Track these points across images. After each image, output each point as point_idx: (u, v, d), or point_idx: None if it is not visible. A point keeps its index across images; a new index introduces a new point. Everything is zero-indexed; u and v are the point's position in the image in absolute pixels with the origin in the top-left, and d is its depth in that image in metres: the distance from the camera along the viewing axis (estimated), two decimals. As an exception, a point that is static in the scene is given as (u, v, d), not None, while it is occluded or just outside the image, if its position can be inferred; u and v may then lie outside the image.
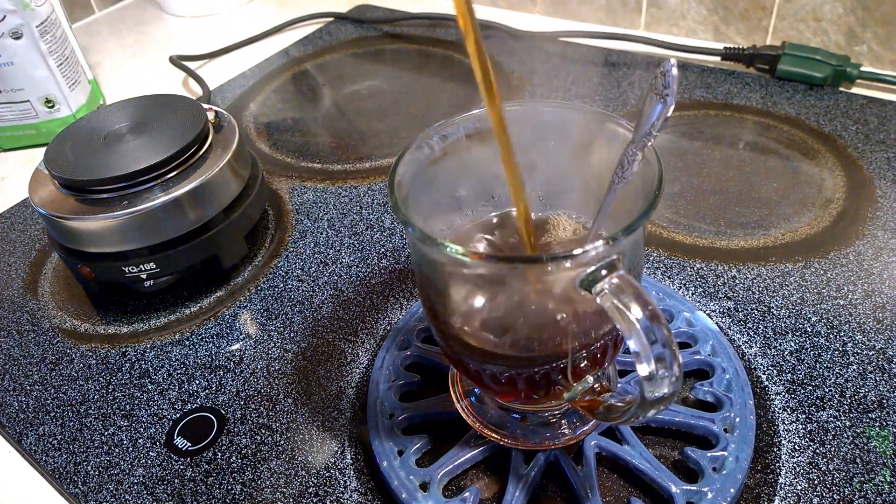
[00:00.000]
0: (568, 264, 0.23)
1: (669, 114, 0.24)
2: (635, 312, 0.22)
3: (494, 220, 0.32)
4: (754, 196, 0.49)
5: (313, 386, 0.38)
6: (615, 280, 0.23)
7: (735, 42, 0.68)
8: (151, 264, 0.42)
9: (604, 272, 0.23)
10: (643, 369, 0.22)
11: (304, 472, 0.34)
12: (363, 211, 0.51)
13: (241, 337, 0.42)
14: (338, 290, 0.44)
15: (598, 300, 0.23)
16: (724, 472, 0.30)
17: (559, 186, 0.32)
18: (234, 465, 0.34)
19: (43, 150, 0.44)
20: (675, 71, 0.23)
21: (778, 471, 0.31)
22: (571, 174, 0.31)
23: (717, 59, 0.65)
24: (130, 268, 0.42)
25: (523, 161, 0.31)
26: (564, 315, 0.26)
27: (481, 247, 0.31)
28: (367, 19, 0.80)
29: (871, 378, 0.35)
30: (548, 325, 0.27)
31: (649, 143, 0.25)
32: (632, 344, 0.22)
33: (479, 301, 0.27)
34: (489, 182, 0.32)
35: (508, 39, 0.73)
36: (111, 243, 0.41)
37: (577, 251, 0.23)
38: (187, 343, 0.42)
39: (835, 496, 0.30)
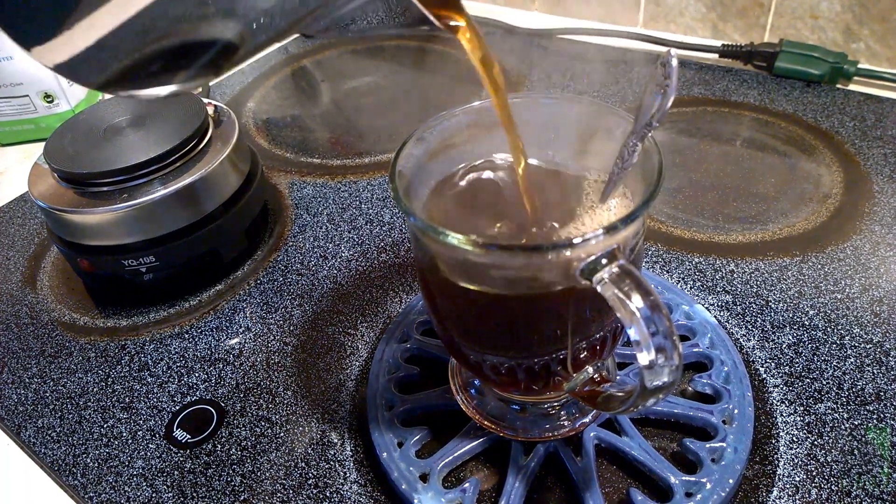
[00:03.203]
0: (568, 253, 0.23)
1: (669, 105, 0.24)
2: (636, 302, 0.22)
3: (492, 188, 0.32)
4: (752, 191, 0.49)
5: (313, 378, 0.38)
6: (615, 269, 0.23)
7: (733, 39, 0.68)
8: (151, 258, 0.42)
9: (604, 261, 0.23)
10: (643, 358, 0.22)
11: (303, 464, 0.34)
12: (362, 206, 0.51)
13: (240, 330, 0.42)
14: (337, 283, 0.44)
15: (598, 289, 0.23)
16: (723, 463, 0.30)
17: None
18: (234, 457, 0.34)
19: (42, 144, 0.44)
20: (675, 62, 0.23)
21: (776, 462, 0.32)
22: (572, 164, 0.31)
23: (715, 56, 0.65)
24: (130, 261, 0.42)
25: (526, 153, 0.32)
26: (565, 305, 0.26)
27: (477, 217, 0.31)
28: (366, 16, 0.80)
29: (868, 371, 0.35)
30: (548, 315, 0.27)
31: (649, 134, 0.25)
32: (632, 333, 0.22)
33: (479, 290, 0.27)
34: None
35: (507, 36, 0.74)
36: (110, 236, 0.41)
37: (576, 240, 0.23)
38: (187, 336, 0.42)
39: (833, 487, 0.30)
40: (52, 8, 0.22)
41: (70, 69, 0.23)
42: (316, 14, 0.26)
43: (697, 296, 0.41)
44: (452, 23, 0.27)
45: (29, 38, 0.22)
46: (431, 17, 0.25)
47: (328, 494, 0.32)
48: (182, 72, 0.26)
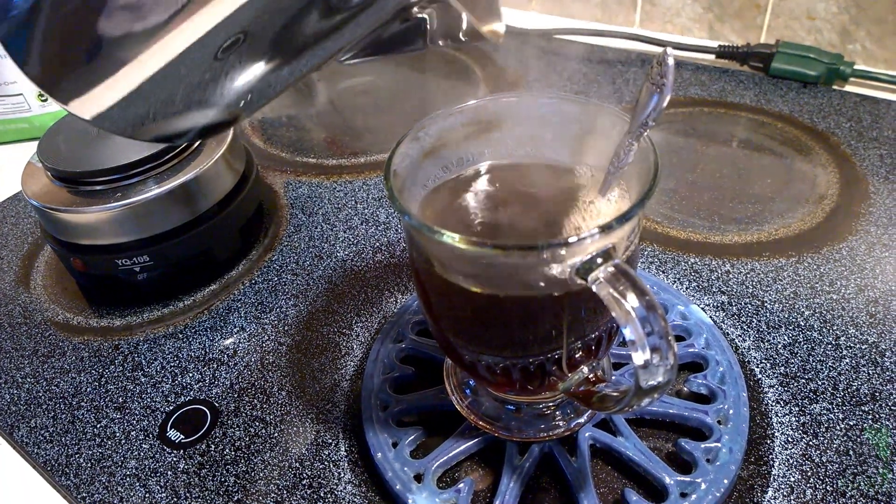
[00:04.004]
0: (563, 252, 0.23)
1: (665, 104, 0.24)
2: (631, 301, 0.22)
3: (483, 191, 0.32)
4: (748, 192, 0.49)
5: (307, 378, 0.38)
6: (611, 269, 0.23)
7: (729, 40, 0.68)
8: (145, 257, 0.42)
9: (599, 261, 0.23)
10: (638, 358, 0.22)
11: (298, 465, 0.34)
12: (358, 205, 0.51)
13: (234, 330, 0.42)
14: (332, 283, 0.44)
15: (593, 288, 0.23)
16: (718, 463, 0.30)
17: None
18: (228, 457, 0.34)
19: (35, 143, 0.44)
20: (671, 61, 0.23)
21: (771, 462, 0.31)
22: (569, 163, 0.31)
23: (712, 56, 0.65)
24: (123, 260, 0.42)
25: (522, 152, 0.32)
26: (560, 304, 0.26)
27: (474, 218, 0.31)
28: (363, 16, 0.80)
29: (863, 371, 0.35)
30: (543, 315, 0.27)
31: (645, 134, 0.25)
32: (627, 333, 0.22)
33: (475, 290, 0.27)
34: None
35: (504, 36, 0.73)
36: (104, 236, 0.41)
37: (571, 239, 0.23)
38: (181, 336, 0.42)
39: (828, 487, 0.30)
40: (79, 69, 0.24)
41: (102, 122, 0.25)
42: (312, 70, 0.27)
43: (693, 296, 0.40)
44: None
45: (64, 94, 0.25)
46: (484, 32, 0.26)
47: (322, 495, 0.32)
48: (194, 132, 0.27)
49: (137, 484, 0.33)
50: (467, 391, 0.34)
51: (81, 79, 0.26)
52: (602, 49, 0.69)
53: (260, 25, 0.25)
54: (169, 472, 0.34)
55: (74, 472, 0.34)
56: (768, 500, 0.30)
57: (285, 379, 0.38)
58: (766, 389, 0.35)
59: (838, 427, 0.33)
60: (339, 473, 0.33)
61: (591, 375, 0.29)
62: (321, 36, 0.27)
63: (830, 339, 0.37)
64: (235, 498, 0.32)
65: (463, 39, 0.28)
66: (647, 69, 0.24)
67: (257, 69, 0.26)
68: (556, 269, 0.24)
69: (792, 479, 0.31)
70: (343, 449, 0.34)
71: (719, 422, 0.32)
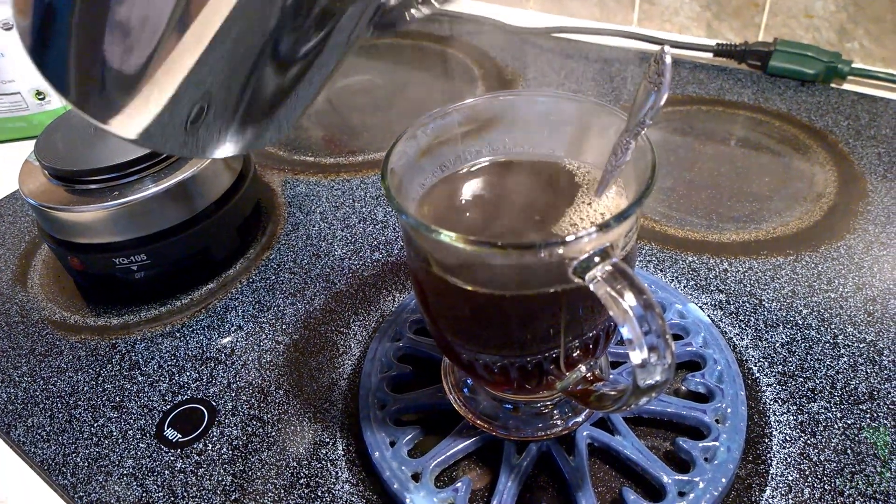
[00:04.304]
0: (561, 251, 0.23)
1: (663, 102, 0.24)
2: (629, 300, 0.22)
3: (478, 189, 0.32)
4: (746, 190, 0.49)
5: (305, 377, 0.38)
6: (608, 267, 0.23)
7: (727, 38, 0.68)
8: (142, 256, 0.42)
9: (597, 259, 0.23)
10: (636, 357, 0.22)
11: (295, 464, 0.33)
12: (356, 204, 0.51)
13: (232, 329, 0.41)
14: (330, 282, 0.44)
15: (591, 287, 0.23)
16: (716, 462, 0.30)
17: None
18: (225, 456, 0.34)
19: (33, 142, 0.44)
20: (669, 59, 0.23)
21: (769, 461, 0.31)
22: (566, 161, 0.31)
23: (710, 55, 0.65)
24: (121, 259, 0.42)
25: (519, 150, 0.32)
26: (557, 303, 0.26)
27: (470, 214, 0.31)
28: (361, 14, 0.80)
29: (861, 370, 0.35)
30: (541, 314, 0.27)
31: (643, 132, 0.25)
32: (625, 332, 0.22)
33: (472, 288, 0.27)
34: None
35: (502, 35, 0.73)
36: (101, 234, 0.41)
37: (569, 238, 0.23)
38: (178, 335, 0.41)
39: (826, 486, 0.30)
40: (111, 83, 0.23)
41: (145, 139, 0.24)
42: (295, 120, 0.27)
43: (691, 295, 0.40)
44: None
45: (102, 112, 0.23)
46: None
47: (320, 494, 0.32)
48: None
49: (134, 483, 0.33)
50: (465, 390, 0.34)
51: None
52: (600, 47, 0.69)
53: (220, 90, 0.24)
54: (166, 472, 0.34)
55: (71, 472, 0.34)
56: (766, 499, 0.30)
57: (283, 378, 0.38)
58: (764, 388, 0.35)
59: (836, 426, 0.33)
60: (337, 472, 0.33)
61: (589, 374, 0.29)
62: (288, 85, 0.26)
63: (828, 337, 0.37)
64: (233, 497, 0.32)
65: (437, 4, 0.27)
66: (645, 67, 0.24)
67: (234, 137, 0.26)
68: (553, 268, 0.24)
69: (790, 478, 0.31)
70: (341, 448, 0.34)
71: (717, 420, 0.32)
